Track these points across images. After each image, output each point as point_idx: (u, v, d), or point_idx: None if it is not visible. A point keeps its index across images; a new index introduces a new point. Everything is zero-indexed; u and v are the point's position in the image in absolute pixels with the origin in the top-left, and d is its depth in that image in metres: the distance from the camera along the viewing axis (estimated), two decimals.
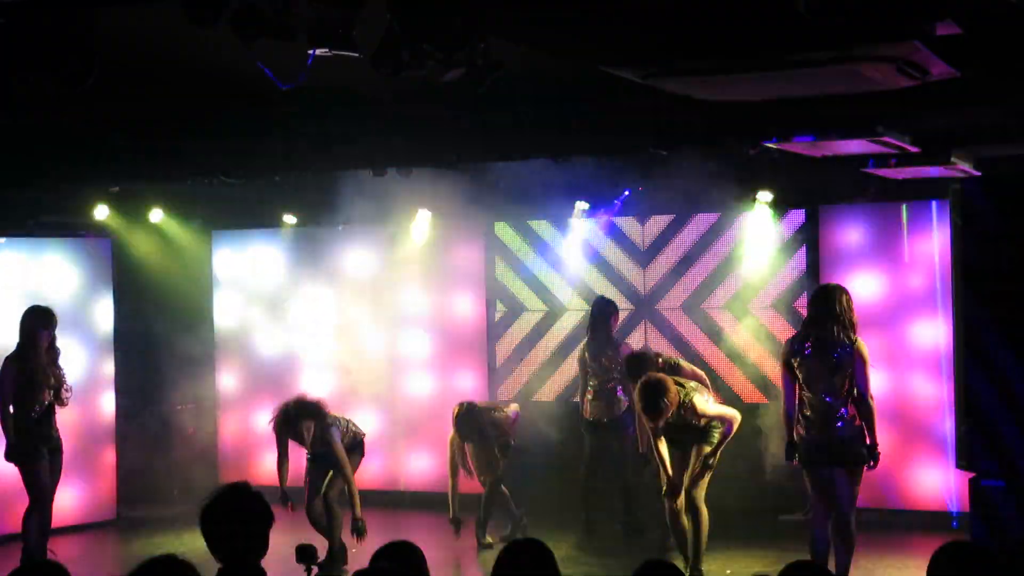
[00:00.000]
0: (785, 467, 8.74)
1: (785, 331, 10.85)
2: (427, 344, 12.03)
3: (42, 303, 9.67)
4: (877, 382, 10.60)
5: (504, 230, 11.87)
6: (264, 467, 12.46)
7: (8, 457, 9.24)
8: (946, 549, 4.33)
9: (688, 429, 8.49)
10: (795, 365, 7.94)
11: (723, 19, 5.52)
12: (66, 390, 9.41)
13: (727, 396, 10.25)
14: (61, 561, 4.53)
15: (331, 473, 9.35)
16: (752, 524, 10.29)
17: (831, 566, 7.78)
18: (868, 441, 7.82)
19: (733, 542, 9.43)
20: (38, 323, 9.29)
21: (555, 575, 4.46)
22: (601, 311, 10.50)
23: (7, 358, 9.27)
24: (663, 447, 8.49)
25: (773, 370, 10.83)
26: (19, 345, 9.27)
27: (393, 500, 11.99)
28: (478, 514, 10.12)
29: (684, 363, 9.52)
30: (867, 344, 8.12)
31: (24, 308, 9.55)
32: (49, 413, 9.29)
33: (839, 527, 7.86)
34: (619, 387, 10.35)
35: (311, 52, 5.98)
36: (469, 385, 11.93)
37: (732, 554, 9.13)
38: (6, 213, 10.84)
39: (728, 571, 9.01)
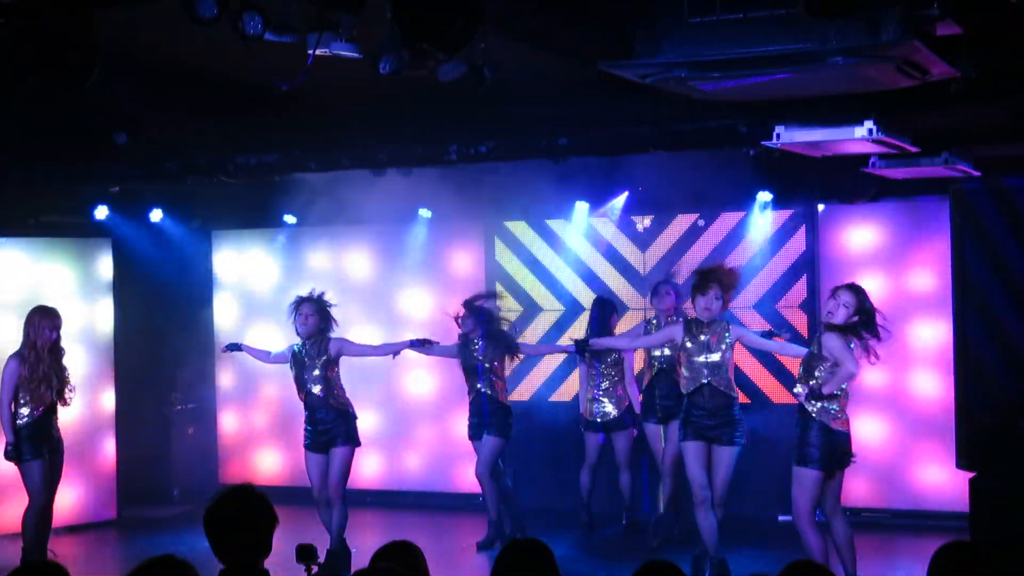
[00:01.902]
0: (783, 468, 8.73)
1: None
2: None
3: (42, 303, 9.66)
4: (879, 381, 10.64)
5: (504, 230, 11.86)
6: (264, 466, 12.48)
7: (8, 456, 9.24)
8: (946, 549, 4.33)
9: (719, 412, 8.53)
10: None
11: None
12: (69, 390, 9.42)
13: None
14: (61, 561, 4.53)
15: (329, 465, 9.36)
16: (752, 524, 10.29)
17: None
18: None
19: (733, 542, 9.42)
20: (43, 322, 9.29)
21: (555, 575, 4.46)
22: (602, 310, 10.50)
23: (11, 356, 9.28)
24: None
25: (772, 369, 10.84)
26: (23, 344, 9.28)
27: (393, 500, 11.99)
28: (488, 514, 10.13)
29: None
30: (869, 342, 8.10)
31: (24, 308, 9.53)
32: (51, 413, 9.29)
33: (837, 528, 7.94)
34: (619, 387, 10.35)
35: (311, 52, 5.98)
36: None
37: (732, 554, 9.11)
38: (6, 213, 10.84)
39: None
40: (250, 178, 10.17)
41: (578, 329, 11.28)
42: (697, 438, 8.64)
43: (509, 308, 11.79)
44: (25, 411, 9.19)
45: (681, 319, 9.17)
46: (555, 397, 11.65)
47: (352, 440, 9.36)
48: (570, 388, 11.44)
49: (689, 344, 8.67)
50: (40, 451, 9.20)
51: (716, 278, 8.65)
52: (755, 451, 10.21)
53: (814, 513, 7.87)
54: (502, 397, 10.07)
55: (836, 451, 7.78)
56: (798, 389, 7.88)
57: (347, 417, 9.38)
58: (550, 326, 11.73)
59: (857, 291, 7.91)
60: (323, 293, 9.68)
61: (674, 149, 8.94)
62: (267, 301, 12.49)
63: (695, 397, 8.64)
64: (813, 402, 7.75)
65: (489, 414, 9.99)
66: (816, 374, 7.83)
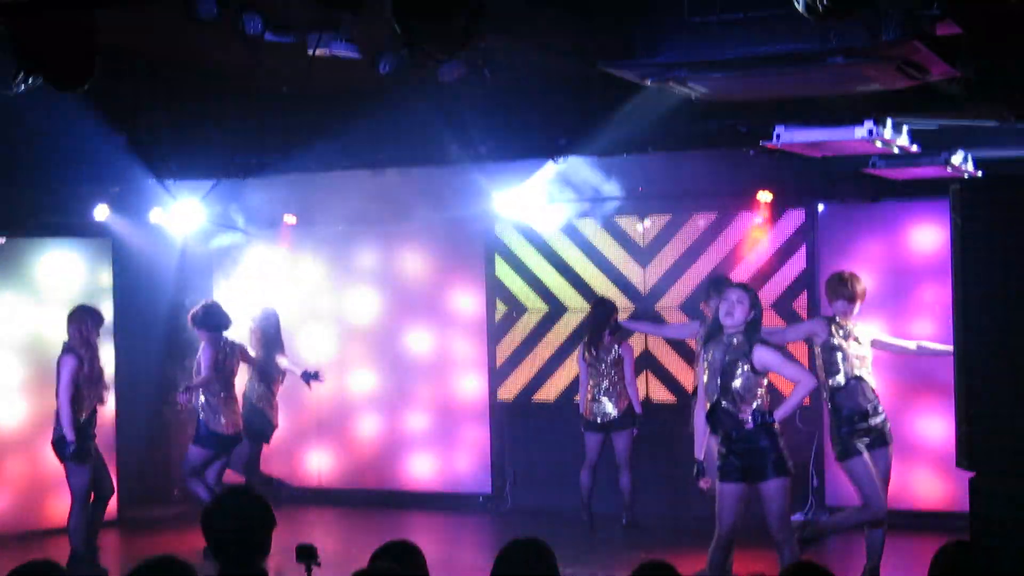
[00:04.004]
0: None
1: None
2: (427, 343, 12.04)
3: (42, 303, 9.66)
4: (881, 382, 10.64)
5: (504, 230, 11.85)
6: (263, 466, 12.46)
7: (70, 455, 9.17)
8: (947, 549, 4.33)
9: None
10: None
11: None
12: (105, 388, 9.53)
13: None
14: (61, 561, 4.53)
15: None
16: (752, 524, 10.27)
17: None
18: None
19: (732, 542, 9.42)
20: (91, 321, 9.32)
21: (555, 575, 4.46)
22: (602, 311, 10.50)
23: (66, 354, 9.23)
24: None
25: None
26: (75, 342, 9.25)
27: (393, 500, 11.99)
28: None
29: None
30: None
31: (24, 308, 9.49)
32: (94, 412, 9.36)
33: None
34: (620, 387, 10.35)
35: (311, 52, 5.99)
36: (469, 385, 11.93)
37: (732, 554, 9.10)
38: (6, 213, 10.83)
39: None
40: (251, 177, 10.18)
41: (573, 327, 11.29)
42: (869, 446, 8.29)
43: (502, 309, 11.80)
44: (79, 410, 9.21)
45: (822, 317, 8.71)
46: (555, 397, 11.65)
47: (193, 439, 10.15)
48: (570, 388, 11.43)
49: (836, 340, 8.34)
50: (89, 451, 9.28)
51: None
52: None
53: None
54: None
55: None
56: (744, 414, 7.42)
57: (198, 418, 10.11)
58: (550, 326, 11.72)
59: (748, 289, 7.67)
60: (199, 304, 10.38)
61: (674, 149, 8.94)
62: (267, 301, 12.49)
63: (851, 391, 8.29)
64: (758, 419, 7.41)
65: None
66: (759, 392, 7.46)
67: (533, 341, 11.76)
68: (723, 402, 7.41)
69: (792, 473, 7.51)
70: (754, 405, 7.41)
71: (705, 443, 7.65)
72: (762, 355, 7.41)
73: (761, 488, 7.40)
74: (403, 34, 5.10)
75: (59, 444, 9.21)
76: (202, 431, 10.10)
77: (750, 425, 7.36)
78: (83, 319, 9.31)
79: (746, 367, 7.40)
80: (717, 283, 9.62)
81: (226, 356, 10.18)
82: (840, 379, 8.27)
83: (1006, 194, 8.20)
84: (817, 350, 8.40)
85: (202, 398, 10.10)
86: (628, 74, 6.11)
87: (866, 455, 8.24)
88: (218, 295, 12.73)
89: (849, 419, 8.24)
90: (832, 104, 7.20)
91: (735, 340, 7.43)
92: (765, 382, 7.51)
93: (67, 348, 9.26)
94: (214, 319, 10.12)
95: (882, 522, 8.34)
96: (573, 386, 11.27)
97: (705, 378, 7.51)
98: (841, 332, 8.33)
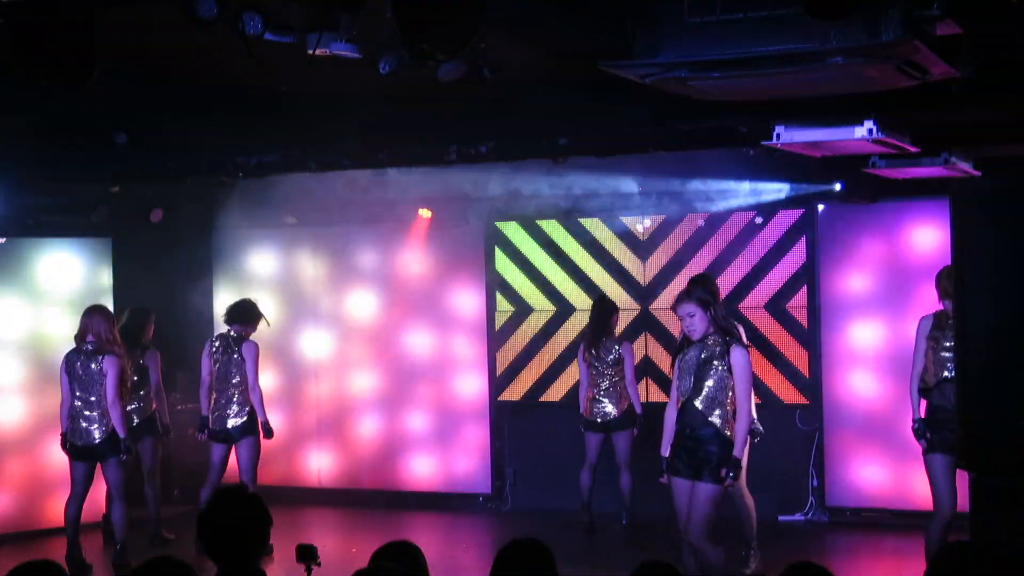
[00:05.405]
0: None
1: (782, 331, 10.86)
2: (427, 343, 12.04)
3: (42, 303, 9.67)
4: (880, 380, 10.66)
5: (504, 229, 11.86)
6: (264, 465, 12.45)
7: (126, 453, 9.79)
8: (947, 549, 4.34)
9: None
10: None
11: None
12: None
13: None
14: (58, 560, 4.53)
15: None
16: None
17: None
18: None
19: (733, 542, 9.43)
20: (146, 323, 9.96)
21: (555, 575, 4.47)
22: (602, 310, 10.50)
23: (112, 355, 9.53)
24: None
25: (770, 370, 10.83)
26: (116, 341, 9.62)
27: (393, 500, 11.99)
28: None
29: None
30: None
31: (24, 308, 9.46)
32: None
33: None
34: (620, 386, 10.35)
35: (311, 52, 5.99)
36: (469, 385, 11.93)
37: (732, 554, 9.11)
38: (6, 213, 10.84)
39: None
40: (250, 178, 10.18)
41: (576, 330, 11.29)
42: (946, 450, 7.88)
43: (502, 308, 11.81)
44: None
45: (930, 314, 8.41)
46: (554, 397, 11.65)
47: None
48: (570, 388, 11.43)
49: (946, 337, 8.14)
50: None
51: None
52: (754, 452, 10.23)
53: None
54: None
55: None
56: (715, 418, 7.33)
57: None
58: (550, 325, 11.73)
59: (692, 293, 7.51)
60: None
61: (674, 149, 8.93)
62: (267, 301, 12.49)
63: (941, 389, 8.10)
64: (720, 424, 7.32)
65: None
66: (730, 396, 7.35)
67: (534, 341, 11.77)
68: (694, 401, 7.34)
69: (724, 487, 7.32)
70: (727, 408, 7.32)
71: (671, 441, 7.53)
72: (737, 357, 7.35)
73: (693, 486, 7.33)
74: (403, 34, 5.10)
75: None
76: None
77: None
78: (137, 319, 9.99)
79: (720, 366, 7.33)
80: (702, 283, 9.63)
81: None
82: (943, 375, 8.12)
83: (1006, 194, 8.21)
84: (930, 350, 8.25)
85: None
86: (628, 74, 6.11)
87: (944, 456, 8.01)
88: (219, 295, 12.74)
89: (936, 413, 8.09)
90: (832, 104, 7.19)
91: (710, 340, 7.39)
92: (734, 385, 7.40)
93: (112, 348, 9.56)
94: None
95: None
96: (573, 386, 11.27)
97: (678, 378, 7.45)
98: (951, 330, 8.10)
